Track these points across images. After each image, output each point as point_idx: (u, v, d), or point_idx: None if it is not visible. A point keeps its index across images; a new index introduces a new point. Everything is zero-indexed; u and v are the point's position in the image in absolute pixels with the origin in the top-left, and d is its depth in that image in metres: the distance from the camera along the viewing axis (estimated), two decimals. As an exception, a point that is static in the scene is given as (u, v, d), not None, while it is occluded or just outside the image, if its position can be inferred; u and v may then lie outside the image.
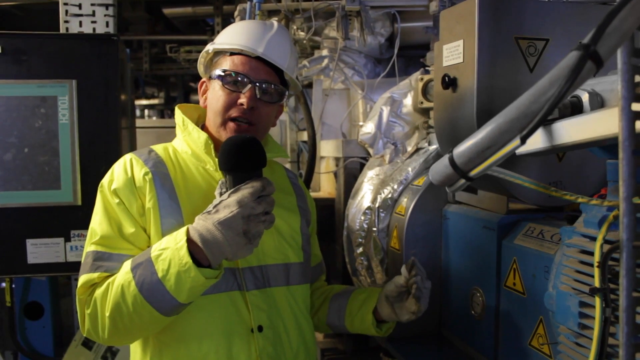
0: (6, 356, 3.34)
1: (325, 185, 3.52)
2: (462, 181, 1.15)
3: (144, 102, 10.27)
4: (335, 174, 3.09)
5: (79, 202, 2.60)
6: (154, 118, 10.56)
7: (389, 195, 2.38)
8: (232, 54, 1.68)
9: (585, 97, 1.17)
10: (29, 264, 2.60)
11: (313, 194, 3.42)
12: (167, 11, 5.84)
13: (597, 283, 1.15)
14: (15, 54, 2.54)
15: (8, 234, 2.59)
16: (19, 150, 2.55)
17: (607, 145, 1.21)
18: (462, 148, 1.12)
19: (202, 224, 1.40)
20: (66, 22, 2.77)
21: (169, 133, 1.79)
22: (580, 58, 0.86)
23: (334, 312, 1.93)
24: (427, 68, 2.56)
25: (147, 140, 1.78)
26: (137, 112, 10.58)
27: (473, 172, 1.11)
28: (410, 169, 2.39)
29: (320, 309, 1.97)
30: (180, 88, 9.29)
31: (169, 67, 7.50)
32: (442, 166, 1.18)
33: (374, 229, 2.42)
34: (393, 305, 1.81)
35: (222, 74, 1.66)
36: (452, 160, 1.14)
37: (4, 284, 2.94)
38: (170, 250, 1.41)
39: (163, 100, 9.79)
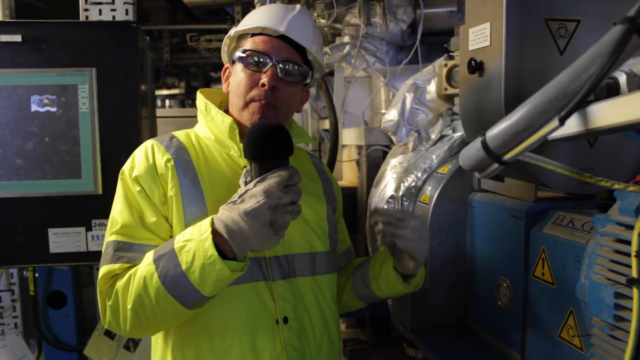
0: (31, 344, 3.37)
1: (348, 174, 3.49)
2: (496, 165, 1.08)
3: (165, 92, 10.28)
4: (358, 163, 3.06)
5: (100, 191, 2.60)
6: (175, 108, 10.56)
7: (413, 184, 2.34)
8: (253, 35, 1.64)
9: (622, 79, 1.11)
10: (51, 253, 2.61)
11: (334, 183, 3.39)
12: (187, 0, 5.83)
13: (634, 273, 1.10)
14: (35, 42, 2.53)
15: (30, 223, 2.60)
16: (39, 140, 2.55)
17: (646, 129, 1.15)
18: (496, 130, 1.05)
19: (228, 214, 1.36)
20: (86, 10, 2.76)
21: (189, 122, 1.76)
22: (625, 32, 0.80)
23: (359, 282, 1.85)
24: (451, 54, 2.50)
25: (168, 130, 1.74)
26: (158, 102, 10.61)
27: (507, 156, 1.05)
28: (434, 156, 2.34)
29: (346, 286, 1.89)
30: (201, 78, 9.27)
31: (190, 57, 7.50)
32: (473, 150, 1.11)
33: (397, 218, 2.38)
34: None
35: (243, 54, 1.62)
36: (484, 144, 1.07)
37: (27, 273, 2.96)
38: (194, 242, 1.37)
39: (184, 90, 9.79)
